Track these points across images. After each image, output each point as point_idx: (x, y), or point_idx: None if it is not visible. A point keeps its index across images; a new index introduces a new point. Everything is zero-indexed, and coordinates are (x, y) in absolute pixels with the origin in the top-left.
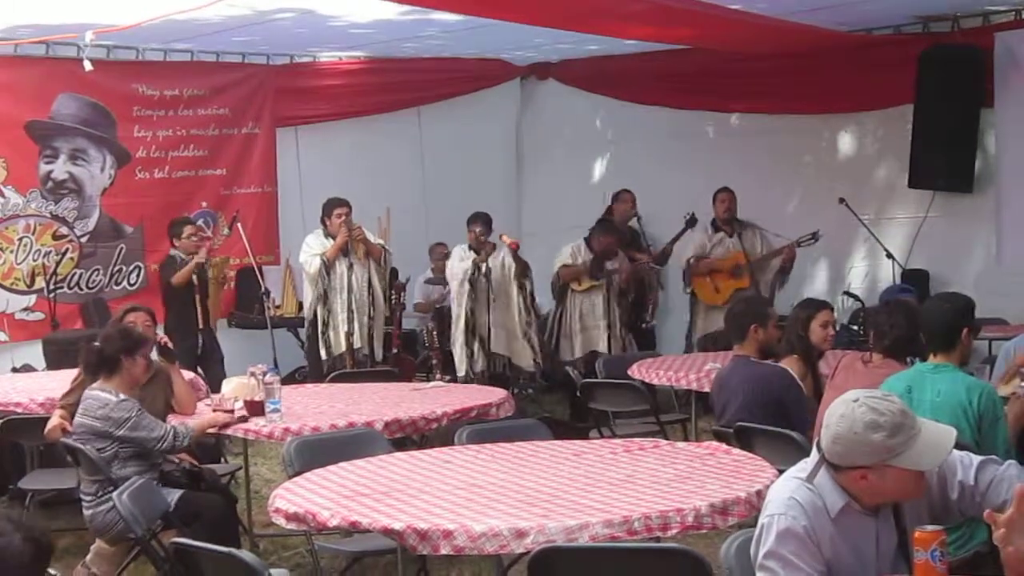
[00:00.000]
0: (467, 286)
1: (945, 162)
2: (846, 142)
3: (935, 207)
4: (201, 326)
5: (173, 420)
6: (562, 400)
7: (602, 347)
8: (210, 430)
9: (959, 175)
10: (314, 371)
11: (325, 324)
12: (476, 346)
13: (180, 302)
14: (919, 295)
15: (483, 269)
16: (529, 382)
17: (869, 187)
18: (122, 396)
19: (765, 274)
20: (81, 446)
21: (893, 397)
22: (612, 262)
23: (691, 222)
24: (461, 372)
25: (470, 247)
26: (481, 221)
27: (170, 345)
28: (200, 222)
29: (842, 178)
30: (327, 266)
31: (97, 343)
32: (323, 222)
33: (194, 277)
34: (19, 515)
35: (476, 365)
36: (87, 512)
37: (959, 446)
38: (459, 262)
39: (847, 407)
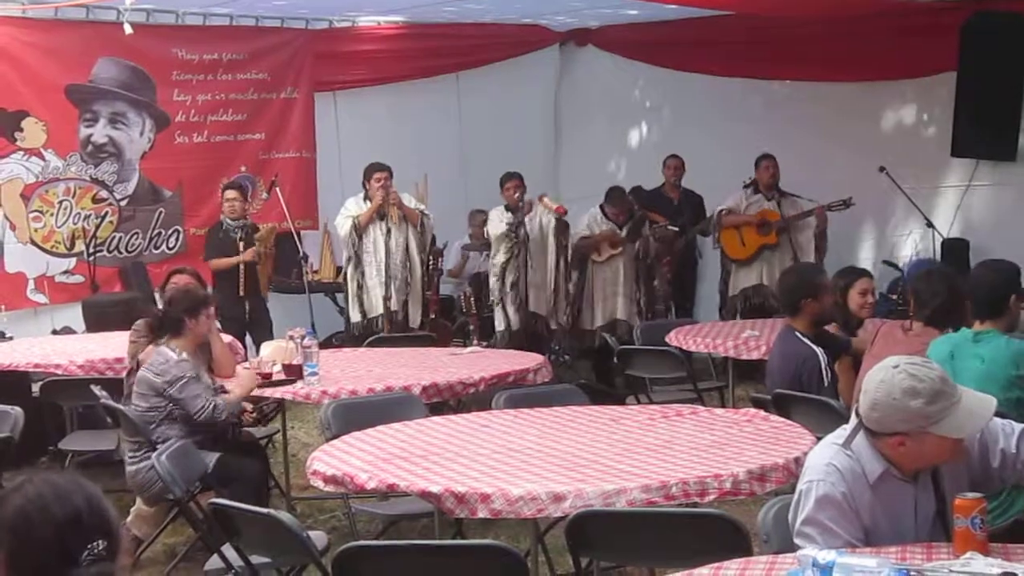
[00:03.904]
0: (510, 242)
1: (988, 131)
2: (889, 110)
3: (978, 176)
4: (242, 293)
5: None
6: (587, 367)
7: (621, 315)
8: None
9: (1002, 144)
10: (347, 333)
11: (359, 287)
12: (517, 304)
13: (226, 270)
14: (956, 266)
15: (520, 232)
16: (560, 342)
17: (912, 156)
18: (183, 356)
19: (799, 234)
20: (123, 406)
21: (933, 364)
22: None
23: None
24: (501, 327)
25: (507, 207)
26: (515, 180)
27: None
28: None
29: (885, 146)
30: (358, 230)
31: (161, 306)
32: (364, 186)
33: (240, 245)
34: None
35: (515, 323)
36: (129, 468)
37: (999, 415)
38: (499, 222)
39: (886, 373)
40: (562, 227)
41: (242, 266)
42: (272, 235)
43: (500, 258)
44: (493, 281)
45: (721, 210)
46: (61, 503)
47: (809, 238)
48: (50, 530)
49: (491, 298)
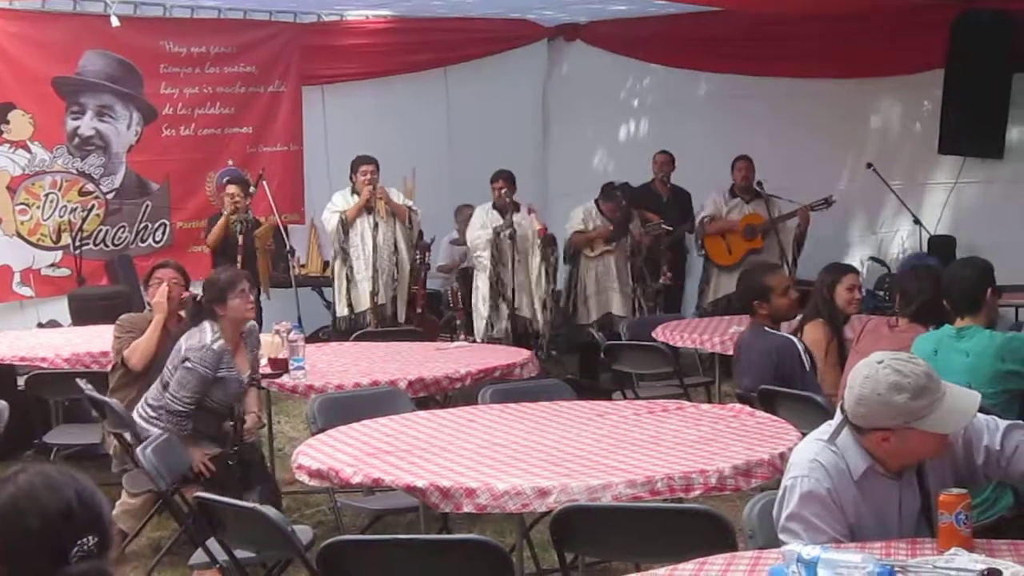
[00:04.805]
0: (489, 252)
1: (975, 128)
2: (877, 107)
3: (966, 173)
4: None
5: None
6: (573, 361)
7: (616, 309)
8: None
9: (990, 141)
10: (333, 328)
11: (348, 281)
12: (500, 308)
13: (222, 263)
14: (944, 262)
15: (504, 235)
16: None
17: (900, 153)
18: (218, 338)
19: (784, 235)
20: (108, 399)
21: (918, 360)
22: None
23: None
24: (480, 335)
25: (494, 206)
26: (504, 178)
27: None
28: (226, 179)
29: (872, 143)
30: (345, 224)
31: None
32: (351, 180)
33: (240, 239)
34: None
35: (496, 326)
36: (140, 422)
37: (983, 410)
38: (480, 228)
39: (871, 368)
40: (547, 240)
41: (240, 260)
42: (271, 233)
43: (484, 266)
44: (476, 288)
45: (703, 218)
46: (52, 494)
47: (792, 235)
48: (39, 521)
49: (472, 303)
